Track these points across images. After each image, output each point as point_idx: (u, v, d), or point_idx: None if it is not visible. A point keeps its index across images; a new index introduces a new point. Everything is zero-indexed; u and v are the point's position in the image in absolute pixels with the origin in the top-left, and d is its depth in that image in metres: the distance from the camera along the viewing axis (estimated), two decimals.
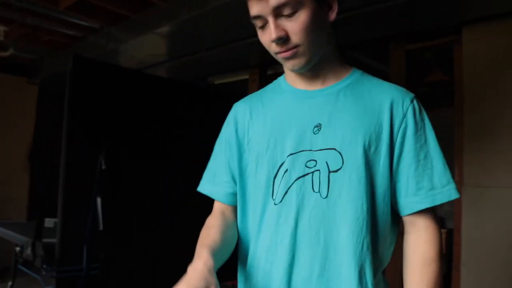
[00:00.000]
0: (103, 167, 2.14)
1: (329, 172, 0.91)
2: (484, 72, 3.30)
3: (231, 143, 1.07)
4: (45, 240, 2.40)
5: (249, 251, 1.01)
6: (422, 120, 0.96)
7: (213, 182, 1.11)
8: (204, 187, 1.12)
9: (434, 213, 0.97)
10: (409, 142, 0.94)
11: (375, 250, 0.93)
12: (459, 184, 3.37)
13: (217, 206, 1.12)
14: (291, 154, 0.95)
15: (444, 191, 0.93)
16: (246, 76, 4.45)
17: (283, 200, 0.94)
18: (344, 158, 0.91)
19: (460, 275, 3.38)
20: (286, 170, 0.94)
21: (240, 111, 1.09)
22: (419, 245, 0.95)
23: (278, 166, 0.96)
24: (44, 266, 2.14)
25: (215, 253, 0.93)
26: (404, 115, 0.94)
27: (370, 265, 0.91)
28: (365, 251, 0.91)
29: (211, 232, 1.02)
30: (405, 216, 0.96)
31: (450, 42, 3.38)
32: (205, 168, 1.15)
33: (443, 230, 5.33)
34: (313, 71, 0.98)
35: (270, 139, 0.98)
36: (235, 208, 1.08)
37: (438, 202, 0.93)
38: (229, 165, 1.07)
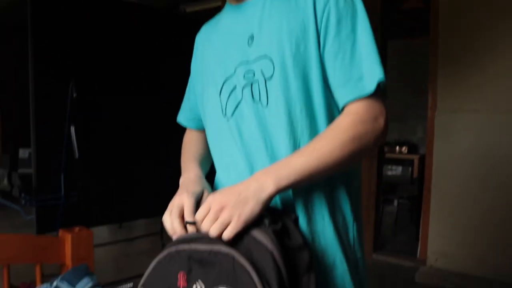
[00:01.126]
0: (74, 95, 2.09)
1: (265, 80, 0.90)
2: (458, 1, 3.30)
3: (195, 70, 1.14)
4: (21, 170, 2.38)
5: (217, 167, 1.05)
6: (349, 7, 0.88)
7: (185, 110, 1.20)
8: (180, 116, 1.21)
9: (370, 105, 0.87)
10: (332, 32, 0.87)
11: None
12: (432, 110, 3.44)
13: (191, 132, 1.21)
14: (234, 70, 0.95)
15: (373, 79, 0.85)
16: (219, 3, 4.31)
17: (229, 114, 0.95)
18: (274, 64, 0.89)
19: (430, 196, 3.53)
20: (233, 87, 0.95)
21: (200, 37, 1.13)
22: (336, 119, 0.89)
23: (222, 83, 0.97)
24: (23, 195, 2.14)
25: (201, 163, 1.05)
26: (326, 4, 0.87)
27: None
28: None
29: (192, 145, 1.14)
30: (341, 110, 0.91)
31: None
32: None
33: (416, 156, 5.52)
34: None
35: (214, 59, 1.00)
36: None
37: (367, 91, 0.85)
38: (194, 92, 1.14)
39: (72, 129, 2.10)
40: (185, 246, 0.76)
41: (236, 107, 0.94)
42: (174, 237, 0.83)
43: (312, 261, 0.80)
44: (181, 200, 0.85)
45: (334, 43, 0.87)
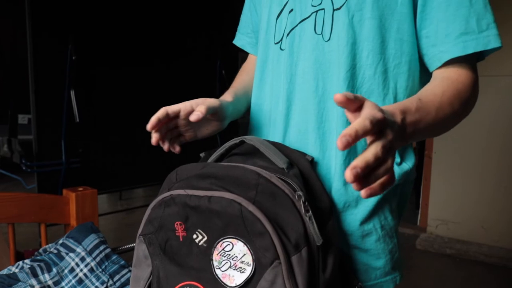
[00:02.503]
0: (73, 57, 2.05)
1: (333, 10, 0.77)
2: None
3: None
4: (20, 137, 2.36)
5: (255, 98, 0.96)
6: None
7: (241, 33, 1.08)
8: (237, 37, 1.09)
9: (470, 67, 0.75)
10: None
11: None
12: None
13: (250, 58, 1.10)
14: None
15: (480, 36, 0.71)
16: None
17: (284, 43, 0.84)
18: None
19: (431, 162, 3.53)
20: (291, 10, 0.83)
21: None
22: (434, 80, 0.75)
23: (283, 5, 0.84)
24: (23, 161, 2.12)
25: (236, 95, 0.95)
26: None
27: None
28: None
29: (242, 75, 1.05)
30: (433, 72, 0.77)
31: None
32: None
33: None
34: None
35: None
36: None
37: (470, 50, 0.71)
38: (250, 14, 1.02)
39: (72, 93, 2.07)
40: (180, 191, 0.67)
41: (294, 36, 0.83)
42: (148, 127, 0.75)
43: (332, 206, 0.73)
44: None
45: None
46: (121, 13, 2.45)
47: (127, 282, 1.22)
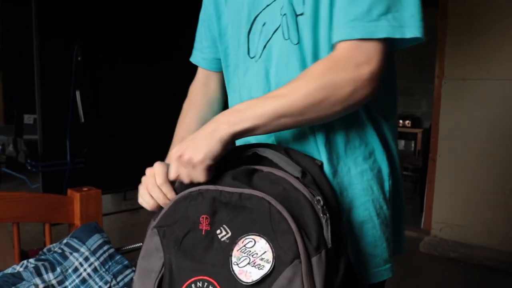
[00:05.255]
0: (79, 58, 2.06)
1: (296, 15, 0.79)
2: None
3: (208, 4, 1.01)
4: (26, 136, 2.38)
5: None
6: None
7: (197, 49, 1.07)
8: (193, 55, 1.09)
9: (356, 48, 0.72)
10: None
11: None
12: (439, 78, 3.41)
13: (200, 75, 1.08)
14: (265, 4, 0.83)
15: (369, 25, 0.70)
16: None
17: (261, 56, 0.86)
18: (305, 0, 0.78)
19: (435, 165, 3.52)
20: (264, 24, 0.85)
21: None
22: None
23: (252, 21, 0.86)
24: (29, 161, 2.14)
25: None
26: None
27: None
28: None
29: (186, 119, 1.03)
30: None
31: None
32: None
33: (419, 130, 5.50)
34: None
35: None
36: (220, 75, 1.04)
37: (356, 36, 0.70)
38: (209, 29, 1.02)
39: (78, 93, 2.08)
40: (210, 186, 0.69)
41: (264, 47, 0.84)
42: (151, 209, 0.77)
43: (340, 209, 0.75)
44: (151, 171, 0.77)
45: None
46: (127, 14, 2.46)
47: (130, 282, 1.23)
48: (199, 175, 0.71)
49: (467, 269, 3.13)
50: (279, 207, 0.64)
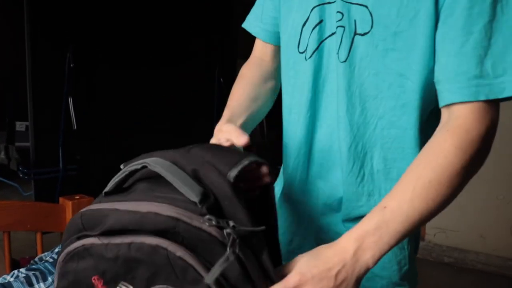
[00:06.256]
0: (72, 65, 2.05)
1: (355, 34, 0.72)
2: None
3: None
4: (18, 144, 2.36)
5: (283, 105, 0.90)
6: None
7: (259, 18, 0.94)
8: (249, 22, 0.96)
9: (481, 111, 0.65)
10: (460, 5, 0.63)
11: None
12: None
13: (257, 49, 0.98)
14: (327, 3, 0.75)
15: (495, 83, 0.63)
16: None
17: (312, 56, 0.79)
18: (374, 21, 0.70)
19: None
20: (321, 21, 0.77)
21: None
22: (437, 133, 0.68)
23: (308, 13, 0.78)
24: (20, 168, 2.12)
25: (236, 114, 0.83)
26: None
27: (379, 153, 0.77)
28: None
29: (240, 89, 0.91)
30: (442, 108, 0.69)
31: None
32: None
33: None
34: None
35: None
36: (278, 49, 0.92)
37: (482, 97, 0.63)
38: (272, 4, 0.90)
39: (70, 100, 2.07)
40: (94, 240, 0.55)
41: (322, 50, 0.78)
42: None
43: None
44: (221, 129, 0.71)
45: (457, 21, 0.64)
46: (120, 21, 2.46)
47: None
48: None
49: (461, 274, 3.14)
50: (180, 252, 0.52)
